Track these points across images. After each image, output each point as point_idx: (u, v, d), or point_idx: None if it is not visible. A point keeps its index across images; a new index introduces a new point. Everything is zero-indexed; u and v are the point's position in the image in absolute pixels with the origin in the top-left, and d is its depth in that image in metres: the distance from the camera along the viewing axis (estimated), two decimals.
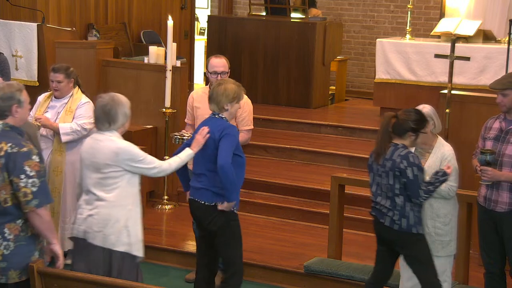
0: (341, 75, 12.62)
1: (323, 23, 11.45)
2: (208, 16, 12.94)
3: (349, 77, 13.44)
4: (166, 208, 8.63)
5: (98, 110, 5.23)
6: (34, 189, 4.67)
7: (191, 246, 7.48)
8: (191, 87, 10.49)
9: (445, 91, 7.81)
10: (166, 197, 8.68)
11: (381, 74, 10.75)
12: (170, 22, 8.41)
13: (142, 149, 7.96)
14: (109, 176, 5.19)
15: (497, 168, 5.77)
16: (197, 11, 13.31)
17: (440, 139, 5.95)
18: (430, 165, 5.85)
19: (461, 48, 9.63)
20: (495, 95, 6.05)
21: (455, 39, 8.52)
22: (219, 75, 6.61)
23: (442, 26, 10.79)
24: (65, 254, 6.03)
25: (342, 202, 7.10)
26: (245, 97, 6.70)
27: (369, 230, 7.82)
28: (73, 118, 6.98)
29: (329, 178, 7.26)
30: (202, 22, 14.96)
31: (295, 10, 12.21)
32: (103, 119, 5.19)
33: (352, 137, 10.04)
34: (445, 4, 11.79)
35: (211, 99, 5.79)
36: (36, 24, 9.25)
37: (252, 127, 6.73)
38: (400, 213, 5.54)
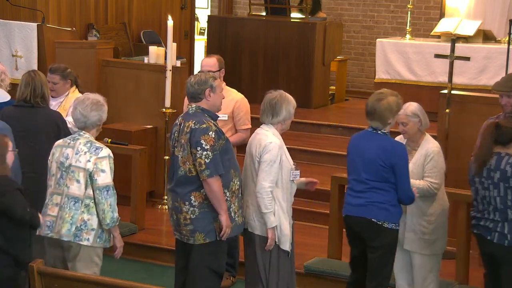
0: (341, 75, 12.60)
1: (323, 23, 11.44)
2: (208, 16, 12.94)
3: (349, 77, 13.43)
4: (166, 208, 8.61)
5: (266, 103, 5.71)
6: (207, 160, 5.33)
7: None
8: None
9: (445, 91, 7.80)
10: (166, 197, 8.68)
11: (381, 74, 10.75)
12: (170, 22, 8.41)
13: (141, 149, 8.03)
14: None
15: None
16: (197, 11, 13.30)
17: (428, 136, 5.97)
18: (415, 161, 5.88)
19: (461, 48, 9.63)
20: (495, 95, 6.04)
21: (455, 39, 8.52)
22: None
23: (442, 26, 10.79)
24: None
25: (342, 202, 7.07)
26: (241, 96, 6.72)
27: None
28: (66, 116, 6.97)
29: (329, 178, 7.26)
30: (202, 22, 14.95)
31: (300, 10, 12.19)
32: (268, 110, 5.68)
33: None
34: (445, 4, 11.79)
35: (374, 115, 5.64)
36: (36, 24, 9.25)
37: (249, 126, 6.72)
38: (510, 226, 5.29)
